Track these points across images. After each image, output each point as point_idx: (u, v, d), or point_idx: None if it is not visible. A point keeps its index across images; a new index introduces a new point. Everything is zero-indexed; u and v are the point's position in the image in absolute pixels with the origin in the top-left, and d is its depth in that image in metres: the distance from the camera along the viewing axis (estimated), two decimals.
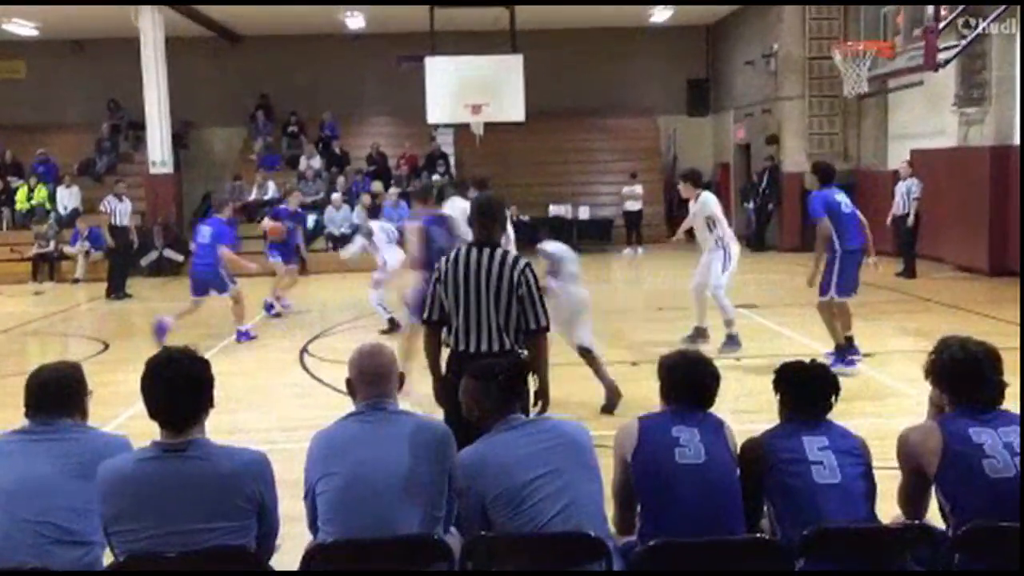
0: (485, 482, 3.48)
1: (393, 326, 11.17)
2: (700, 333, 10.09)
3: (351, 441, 3.52)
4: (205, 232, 11.27)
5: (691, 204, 10.08)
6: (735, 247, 9.88)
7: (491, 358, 4.32)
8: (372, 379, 3.67)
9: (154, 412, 3.24)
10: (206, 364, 3.32)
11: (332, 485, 3.42)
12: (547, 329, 4.78)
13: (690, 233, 10.44)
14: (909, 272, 15.33)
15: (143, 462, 3.21)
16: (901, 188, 15.49)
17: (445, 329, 4.88)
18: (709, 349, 9.02)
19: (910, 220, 15.26)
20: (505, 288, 4.70)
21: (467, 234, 6.12)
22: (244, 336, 11.45)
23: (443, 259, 4.90)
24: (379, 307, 11.69)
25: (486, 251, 4.78)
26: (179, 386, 3.21)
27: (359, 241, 12.42)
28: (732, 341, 9.72)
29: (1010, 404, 3.57)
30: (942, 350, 3.60)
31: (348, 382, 3.76)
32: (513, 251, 4.85)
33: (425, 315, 4.91)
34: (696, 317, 10.23)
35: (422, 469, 3.45)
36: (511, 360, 4.31)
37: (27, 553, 3.23)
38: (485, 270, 4.72)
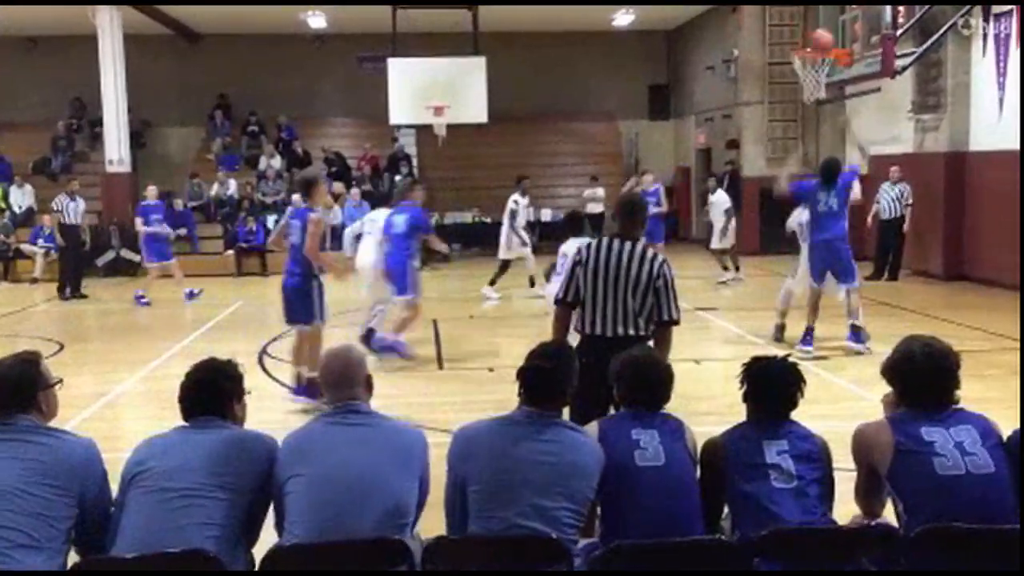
0: (468, 464, 3.51)
1: None
2: (778, 329, 10.73)
3: (320, 443, 3.49)
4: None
5: None
6: (800, 260, 10.53)
7: (625, 342, 4.67)
8: (339, 382, 3.63)
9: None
10: (226, 374, 3.63)
11: (299, 486, 3.39)
12: (677, 322, 5.07)
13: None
14: (893, 274, 15.67)
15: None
16: (892, 192, 15.73)
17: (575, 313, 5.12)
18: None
19: (906, 226, 15.57)
20: (644, 278, 5.01)
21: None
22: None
23: (588, 245, 5.21)
24: None
25: (627, 244, 5.11)
26: (199, 387, 3.58)
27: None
28: (776, 330, 10.61)
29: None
30: (896, 350, 3.64)
31: (311, 381, 3.73)
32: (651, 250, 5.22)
33: (560, 295, 5.17)
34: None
35: (390, 473, 3.41)
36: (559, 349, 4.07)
37: None
38: (626, 260, 5.05)
